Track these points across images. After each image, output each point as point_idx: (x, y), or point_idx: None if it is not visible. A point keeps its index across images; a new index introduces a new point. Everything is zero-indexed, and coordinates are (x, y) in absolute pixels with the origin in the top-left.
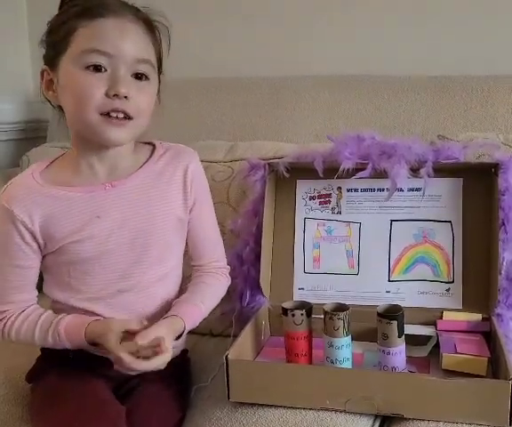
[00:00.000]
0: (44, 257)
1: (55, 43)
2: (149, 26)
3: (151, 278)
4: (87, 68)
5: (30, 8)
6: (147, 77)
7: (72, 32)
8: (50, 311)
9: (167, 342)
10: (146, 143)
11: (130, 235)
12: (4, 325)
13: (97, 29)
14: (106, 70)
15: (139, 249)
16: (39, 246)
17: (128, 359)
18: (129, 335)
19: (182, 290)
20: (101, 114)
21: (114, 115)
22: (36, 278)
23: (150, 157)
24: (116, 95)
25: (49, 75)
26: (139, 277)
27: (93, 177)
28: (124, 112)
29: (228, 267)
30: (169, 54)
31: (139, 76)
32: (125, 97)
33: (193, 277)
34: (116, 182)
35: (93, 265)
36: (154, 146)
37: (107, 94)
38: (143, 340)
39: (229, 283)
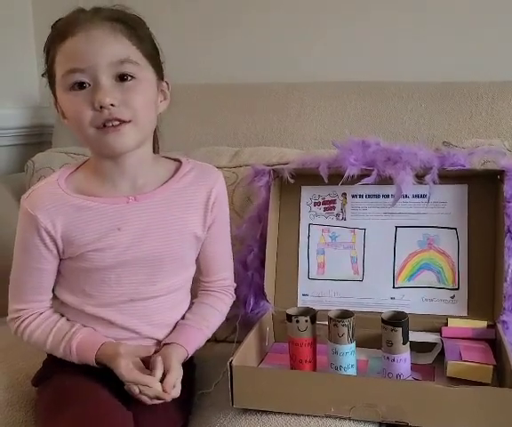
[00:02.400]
0: (61, 261)
1: (48, 73)
2: (119, 23)
3: (164, 290)
4: (72, 88)
5: (36, 13)
6: (132, 76)
7: (53, 59)
8: (64, 319)
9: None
10: (173, 159)
11: (147, 248)
12: (20, 324)
13: (68, 49)
14: (89, 85)
15: (155, 263)
16: (58, 252)
17: (136, 391)
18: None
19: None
20: (98, 127)
21: (109, 124)
22: (53, 281)
23: (175, 173)
24: (102, 107)
25: (58, 106)
26: (152, 289)
27: (116, 189)
28: (117, 119)
29: (235, 284)
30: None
31: (124, 78)
32: (112, 104)
33: (198, 295)
34: (139, 197)
35: (109, 274)
36: (180, 162)
37: (94, 108)
38: (169, 387)
39: (233, 299)
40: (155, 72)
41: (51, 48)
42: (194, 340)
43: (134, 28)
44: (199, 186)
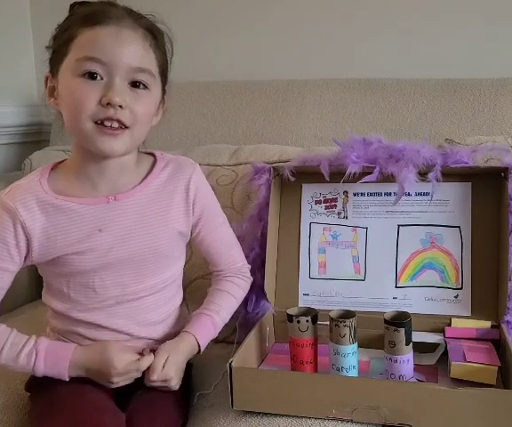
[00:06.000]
0: (43, 267)
1: (57, 49)
2: (151, 34)
3: (150, 289)
4: (83, 75)
5: (34, 11)
6: (145, 86)
7: (72, 39)
8: (15, 331)
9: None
10: (146, 153)
11: (130, 249)
12: None
13: (94, 37)
14: (102, 78)
15: (138, 263)
16: (28, 252)
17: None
18: None
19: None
20: (96, 122)
21: (108, 124)
22: (8, 286)
23: (151, 170)
24: (109, 104)
25: (51, 81)
26: (138, 288)
27: (95, 189)
28: (118, 121)
29: (249, 266)
30: (171, 62)
31: (136, 85)
32: (120, 106)
33: (212, 283)
34: (119, 196)
35: (93, 277)
36: (154, 157)
37: (100, 102)
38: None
39: (251, 281)
40: (161, 87)
41: (72, 27)
42: (201, 326)
43: (159, 42)
44: (177, 181)
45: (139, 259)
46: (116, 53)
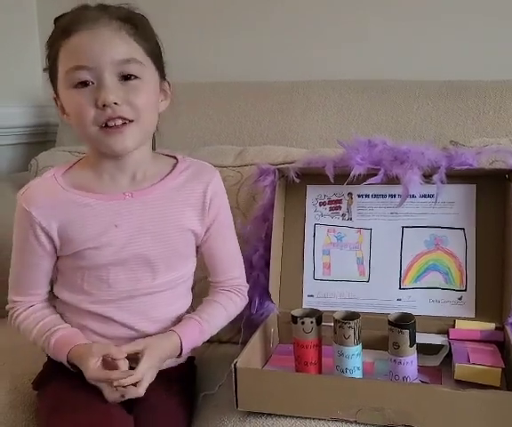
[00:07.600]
0: (58, 258)
1: (50, 68)
2: (127, 23)
3: (164, 285)
4: (75, 86)
5: (40, 11)
6: (136, 76)
7: (56, 56)
8: (54, 316)
9: (140, 370)
10: (168, 156)
11: (144, 245)
12: (12, 315)
13: (73, 46)
14: (93, 83)
15: (152, 259)
16: (55, 248)
17: (106, 391)
18: (110, 361)
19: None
20: (100, 126)
21: (111, 124)
22: (49, 275)
23: (172, 170)
24: (105, 105)
25: (58, 100)
26: (151, 284)
27: (114, 185)
28: (120, 118)
29: (247, 285)
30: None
31: (127, 77)
32: (115, 103)
33: (209, 293)
34: (136, 193)
35: (108, 272)
36: (176, 160)
37: (97, 106)
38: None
39: (246, 302)
40: (157, 72)
41: (54, 43)
42: (190, 331)
43: (140, 28)
44: (195, 183)
45: (152, 256)
46: (97, 55)
